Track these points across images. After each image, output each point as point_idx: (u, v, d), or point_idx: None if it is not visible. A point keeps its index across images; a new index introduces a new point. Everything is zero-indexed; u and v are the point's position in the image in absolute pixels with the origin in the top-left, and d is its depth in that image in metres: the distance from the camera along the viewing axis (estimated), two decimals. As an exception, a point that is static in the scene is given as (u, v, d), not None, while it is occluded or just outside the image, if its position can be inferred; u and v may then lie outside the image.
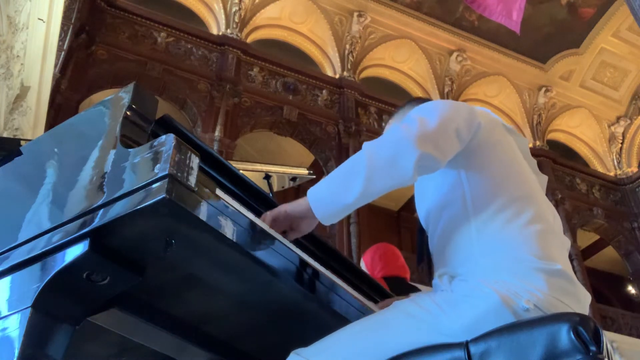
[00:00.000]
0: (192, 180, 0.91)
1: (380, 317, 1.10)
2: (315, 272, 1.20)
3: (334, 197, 1.09)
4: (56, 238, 0.94)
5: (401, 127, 1.11)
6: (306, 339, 1.11)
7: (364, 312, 1.30)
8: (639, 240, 13.25)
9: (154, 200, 0.86)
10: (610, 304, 13.39)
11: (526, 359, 0.88)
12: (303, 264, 1.17)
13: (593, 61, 14.13)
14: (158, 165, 0.89)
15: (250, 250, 1.03)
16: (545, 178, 1.30)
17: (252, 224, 1.05)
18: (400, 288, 1.75)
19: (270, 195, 2.09)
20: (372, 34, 13.09)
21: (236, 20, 11.83)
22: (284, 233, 1.17)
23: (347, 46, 12.74)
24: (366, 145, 1.12)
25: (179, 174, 0.89)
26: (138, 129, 1.04)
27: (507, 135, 1.25)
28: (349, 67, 12.54)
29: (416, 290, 2.30)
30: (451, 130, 1.13)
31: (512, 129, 1.28)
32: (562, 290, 1.01)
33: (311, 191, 1.12)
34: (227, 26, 11.72)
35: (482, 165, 1.17)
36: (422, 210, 1.25)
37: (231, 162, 1.36)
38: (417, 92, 13.25)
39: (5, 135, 5.88)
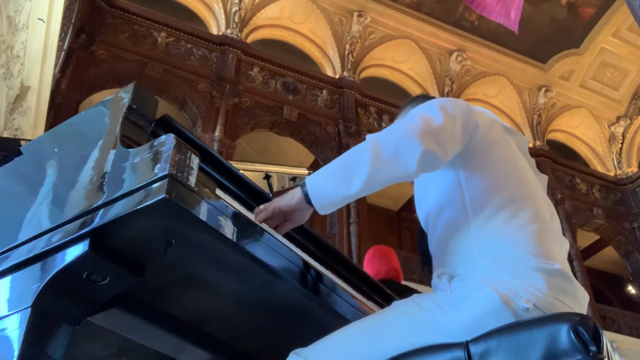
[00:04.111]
0: (192, 180, 0.91)
1: (380, 317, 1.10)
2: (315, 272, 1.20)
3: (334, 187, 1.08)
4: (56, 238, 0.94)
5: (405, 123, 1.11)
6: (306, 339, 1.11)
7: (364, 312, 1.30)
8: (639, 240, 13.25)
9: (154, 200, 0.86)
10: (610, 304, 13.39)
11: (526, 359, 0.88)
12: (303, 263, 1.17)
13: (593, 61, 14.13)
14: (158, 165, 0.89)
15: (250, 250, 1.03)
16: (545, 177, 1.30)
17: (252, 224, 1.05)
18: (391, 291, 1.75)
19: (270, 195, 2.09)
20: (372, 34, 13.08)
21: (236, 20, 11.83)
22: (277, 227, 1.15)
23: (347, 46, 12.73)
24: (370, 137, 1.11)
25: (179, 174, 0.89)
26: (138, 129, 1.04)
27: (506, 134, 1.24)
28: (349, 67, 12.54)
29: (410, 290, 2.29)
30: (454, 129, 1.13)
31: (511, 128, 1.28)
32: (561, 289, 1.01)
33: (310, 180, 1.10)
34: (227, 26, 11.71)
35: (480, 165, 1.17)
36: (421, 211, 1.25)
37: (231, 162, 1.36)
38: (417, 92, 13.21)
39: (5, 135, 5.88)
